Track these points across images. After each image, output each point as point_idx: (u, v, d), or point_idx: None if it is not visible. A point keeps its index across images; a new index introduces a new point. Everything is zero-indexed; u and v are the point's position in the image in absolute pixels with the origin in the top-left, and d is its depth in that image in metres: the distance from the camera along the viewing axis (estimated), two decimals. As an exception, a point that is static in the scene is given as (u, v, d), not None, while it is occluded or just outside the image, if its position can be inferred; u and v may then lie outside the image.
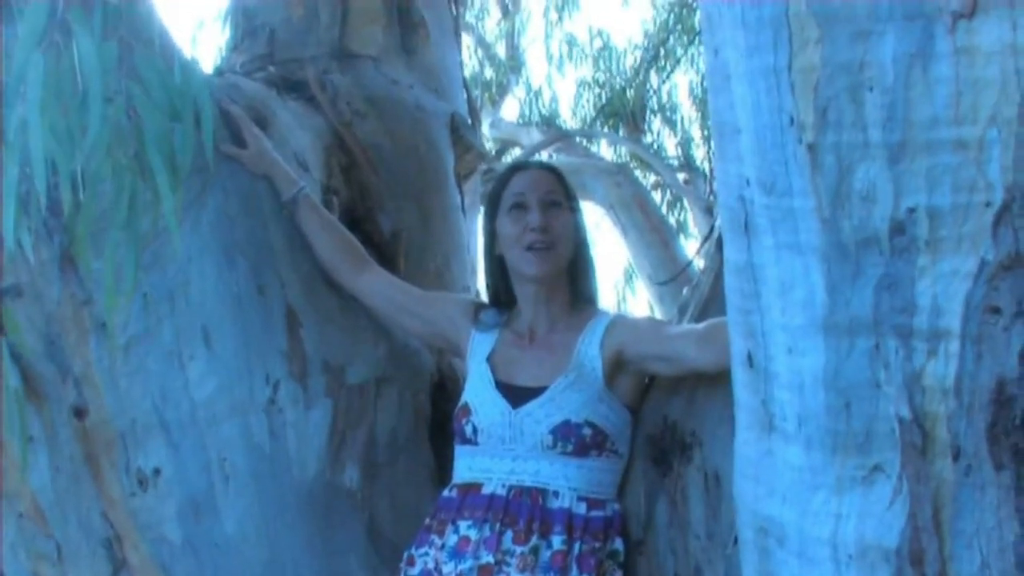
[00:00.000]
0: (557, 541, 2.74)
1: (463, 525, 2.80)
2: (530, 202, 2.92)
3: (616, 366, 2.85)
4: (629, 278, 11.13)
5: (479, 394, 2.90)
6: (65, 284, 2.90)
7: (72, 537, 3.02)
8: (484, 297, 3.17)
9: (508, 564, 2.72)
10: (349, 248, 3.15)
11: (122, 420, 2.95)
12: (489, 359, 2.95)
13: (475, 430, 2.86)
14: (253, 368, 3.00)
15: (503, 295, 3.02)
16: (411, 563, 2.85)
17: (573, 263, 2.97)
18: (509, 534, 2.75)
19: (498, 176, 3.12)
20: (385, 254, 3.42)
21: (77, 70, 2.45)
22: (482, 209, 3.16)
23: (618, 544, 2.78)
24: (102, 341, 2.92)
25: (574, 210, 2.99)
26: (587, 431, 2.79)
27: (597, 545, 2.75)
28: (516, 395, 2.85)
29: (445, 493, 2.90)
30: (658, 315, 8.18)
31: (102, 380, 2.94)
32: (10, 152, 2.43)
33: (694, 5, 10.82)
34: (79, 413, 2.95)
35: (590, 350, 2.86)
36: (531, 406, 2.82)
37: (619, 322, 2.94)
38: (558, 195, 2.95)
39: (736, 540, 2.25)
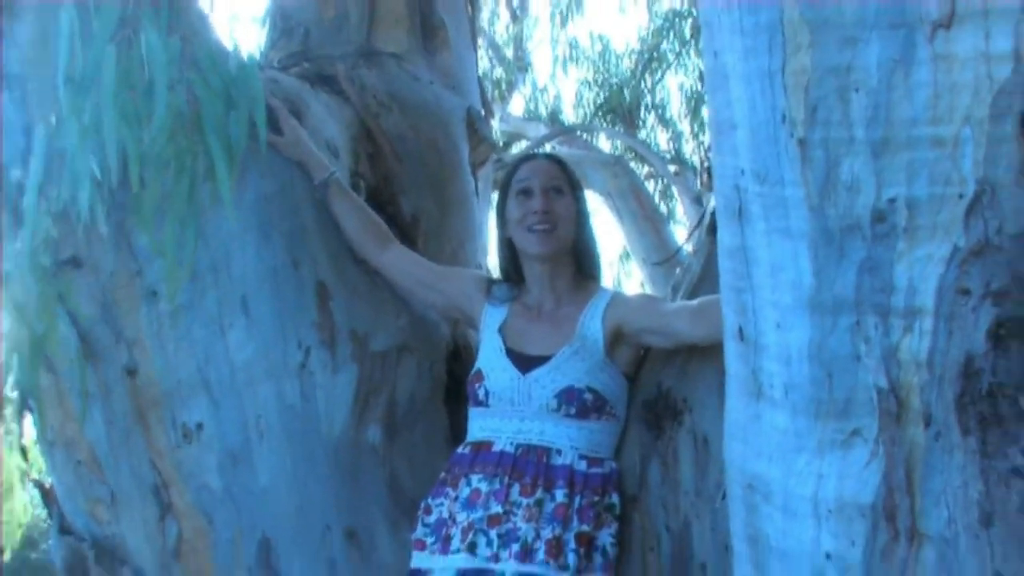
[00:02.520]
0: (560, 495, 2.74)
1: (475, 479, 2.81)
2: (534, 188, 2.93)
3: (615, 338, 2.85)
4: (624, 260, 11.12)
5: (491, 361, 2.90)
6: (119, 257, 2.90)
7: (124, 483, 3.03)
8: (495, 274, 3.17)
9: (515, 514, 2.73)
10: (375, 228, 3.15)
11: (169, 380, 2.96)
12: (501, 330, 2.95)
13: (487, 393, 2.87)
14: (287, 335, 3.00)
15: (513, 274, 3.02)
16: (428, 512, 2.86)
17: (576, 245, 2.97)
18: (516, 487, 2.76)
19: (509, 165, 3.12)
20: (406, 234, 3.41)
21: (145, 62, 2.45)
22: (495, 195, 3.16)
23: (615, 498, 2.78)
24: (152, 309, 2.93)
25: (576, 197, 2.99)
26: (588, 396, 2.80)
27: (596, 499, 2.76)
28: (525, 363, 2.86)
29: (459, 450, 2.91)
30: (650, 292, 8.16)
31: (151, 344, 2.94)
32: (84, 135, 2.44)
33: (686, 14, 10.79)
34: (131, 373, 2.96)
35: (592, 324, 2.86)
36: (538, 372, 2.83)
37: (619, 299, 2.95)
38: (561, 182, 2.96)
39: (724, 496, 2.24)
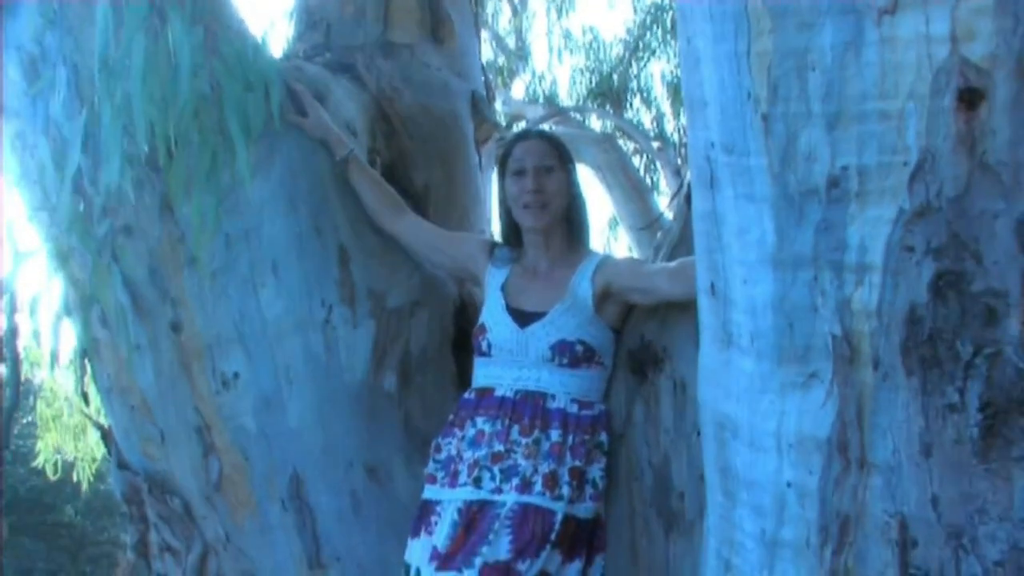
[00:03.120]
0: (555, 435, 2.75)
1: (479, 420, 2.81)
2: (527, 168, 2.90)
3: (603, 296, 2.84)
4: (613, 226, 11.10)
5: (493, 316, 2.90)
6: (164, 225, 2.90)
7: (172, 425, 3.04)
8: (497, 238, 3.16)
9: (515, 452, 2.74)
10: (390, 198, 3.14)
11: (209, 334, 2.96)
12: (503, 288, 2.94)
13: (489, 345, 2.87)
14: (312, 294, 2.99)
15: (512, 239, 3.01)
16: (438, 450, 2.87)
17: (568, 213, 2.95)
18: (516, 428, 2.76)
19: (506, 143, 3.10)
20: (418, 203, 3.40)
21: (171, 49, 2.43)
22: (496, 169, 3.14)
23: (603, 437, 2.79)
24: (193, 271, 2.93)
25: (568, 171, 2.97)
26: (579, 347, 2.79)
27: (587, 438, 2.76)
28: (523, 318, 2.85)
29: (465, 395, 2.91)
30: (636, 255, 8.15)
31: (193, 302, 2.95)
32: (116, 115, 2.43)
33: (667, 8, 10.72)
34: (175, 327, 2.96)
35: (583, 283, 2.85)
36: (535, 327, 2.83)
37: (606, 261, 2.93)
38: (551, 160, 2.93)
39: (699, 433, 2.25)
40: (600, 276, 2.86)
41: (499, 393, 2.82)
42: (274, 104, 2.59)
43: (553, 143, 3.01)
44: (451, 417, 2.90)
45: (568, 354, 2.79)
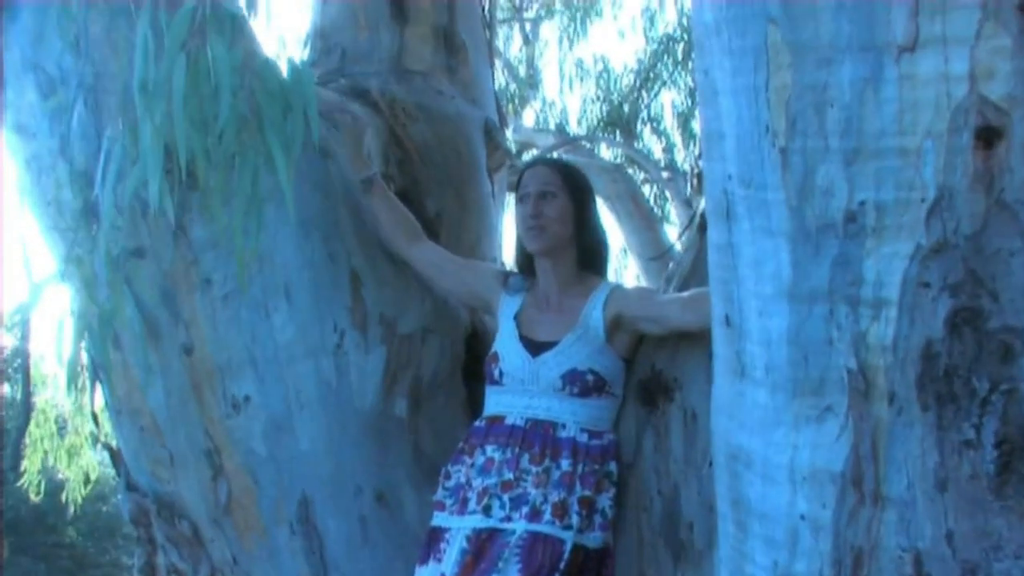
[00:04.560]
0: (565, 464, 2.75)
1: (489, 449, 2.81)
2: (530, 193, 2.92)
3: (615, 326, 2.85)
4: (623, 255, 11.11)
5: (506, 345, 2.90)
6: (177, 248, 2.91)
7: (181, 447, 3.04)
8: (510, 267, 3.17)
9: (525, 480, 2.74)
10: (407, 223, 3.15)
11: (220, 357, 2.97)
12: (516, 317, 2.94)
13: (501, 373, 2.87)
14: (324, 319, 3.00)
15: (525, 267, 3.02)
16: (447, 477, 2.87)
17: (576, 240, 2.94)
18: (526, 456, 2.76)
19: (520, 170, 3.10)
20: (430, 230, 3.40)
21: (211, 70, 2.45)
22: (509, 196, 3.16)
23: (613, 467, 2.79)
24: (206, 294, 2.94)
25: (574, 198, 2.95)
26: (590, 377, 2.80)
27: (596, 467, 2.76)
28: (535, 347, 2.86)
29: (475, 423, 2.91)
30: (644, 284, 8.14)
31: (205, 325, 2.95)
32: (156, 136, 2.44)
33: (678, 38, 10.76)
34: (187, 350, 2.97)
35: (594, 312, 2.86)
36: (546, 356, 2.83)
37: (618, 291, 2.93)
38: (553, 186, 2.93)
39: (710, 464, 2.25)
40: (611, 306, 2.86)
41: (509, 421, 2.82)
42: (314, 126, 2.61)
43: (559, 170, 3.02)
44: (461, 444, 2.90)
45: (579, 383, 2.79)
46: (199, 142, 2.41)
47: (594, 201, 3.09)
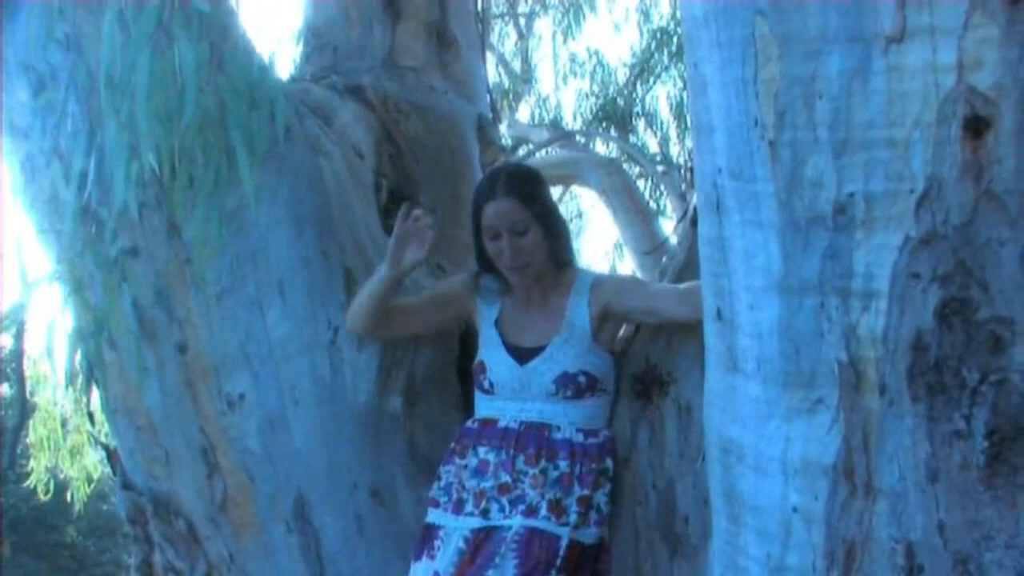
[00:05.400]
0: (563, 464, 2.74)
1: (482, 450, 2.80)
2: (502, 232, 2.79)
3: (602, 319, 2.83)
4: (619, 249, 11.11)
5: (492, 355, 2.87)
6: (171, 247, 2.90)
7: (177, 445, 3.04)
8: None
9: (522, 482, 2.73)
10: (388, 315, 2.95)
11: (215, 355, 2.96)
12: (497, 324, 2.90)
13: (491, 384, 2.85)
14: (318, 315, 3.00)
15: (492, 268, 2.90)
16: (439, 478, 2.86)
17: (549, 251, 2.85)
18: (521, 458, 2.75)
19: (476, 191, 2.91)
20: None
21: (177, 66, 2.44)
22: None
23: (608, 463, 2.78)
24: (200, 292, 2.93)
25: (540, 217, 2.82)
26: (582, 378, 2.78)
27: (594, 466, 2.75)
28: (522, 354, 2.83)
29: (467, 424, 2.90)
30: (635, 275, 8.13)
31: (200, 323, 2.95)
32: (121, 132, 2.43)
33: (673, 33, 10.74)
34: (182, 348, 2.97)
35: (579, 310, 2.83)
36: (535, 363, 2.81)
37: (600, 281, 2.89)
38: (523, 222, 2.79)
39: (704, 457, 2.25)
40: (597, 298, 2.83)
41: (502, 424, 2.81)
42: (279, 123, 2.59)
43: (522, 198, 2.81)
44: (453, 445, 2.89)
45: (571, 386, 2.78)
46: (163, 138, 2.40)
47: (550, 195, 2.99)
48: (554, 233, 2.87)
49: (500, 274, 2.90)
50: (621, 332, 2.92)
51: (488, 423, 2.84)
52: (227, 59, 2.70)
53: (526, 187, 2.85)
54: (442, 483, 2.85)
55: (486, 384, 2.86)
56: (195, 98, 2.43)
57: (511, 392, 2.82)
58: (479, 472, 2.78)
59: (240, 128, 2.56)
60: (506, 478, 2.74)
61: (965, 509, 1.68)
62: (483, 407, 2.89)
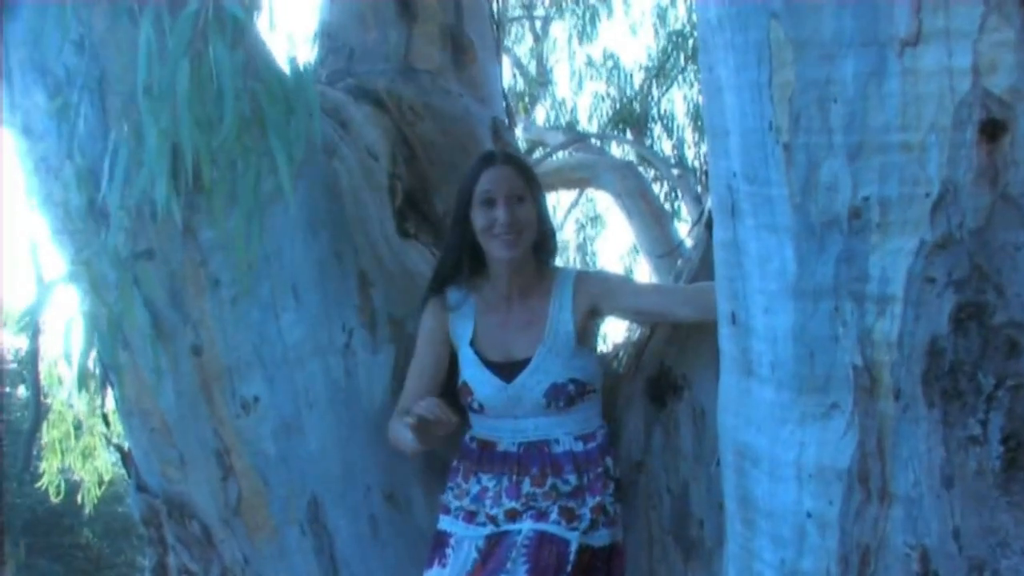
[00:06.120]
0: (571, 478, 2.73)
1: (484, 477, 2.80)
2: (498, 198, 2.77)
3: (587, 319, 2.79)
4: (634, 252, 11.11)
5: (474, 375, 2.82)
6: (186, 249, 2.91)
7: (191, 448, 3.04)
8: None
9: (536, 500, 2.72)
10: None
11: (230, 357, 2.96)
12: (472, 343, 2.85)
13: (480, 405, 2.82)
14: (332, 319, 3.00)
15: (467, 263, 2.86)
16: (449, 488, 2.86)
17: (537, 243, 2.85)
18: (527, 481, 2.75)
19: (470, 168, 2.90)
20: (436, 229, 3.42)
21: (214, 73, 2.45)
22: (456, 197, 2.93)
23: (609, 462, 2.77)
24: (215, 295, 2.93)
25: (537, 200, 2.84)
26: (571, 387, 2.75)
27: (599, 471, 2.75)
28: (506, 371, 2.79)
29: (467, 442, 2.88)
30: (655, 281, 8.12)
31: (214, 325, 2.95)
32: (162, 139, 2.45)
33: (689, 35, 10.74)
34: (196, 351, 2.97)
35: (562, 315, 2.78)
36: (521, 378, 2.76)
37: (583, 279, 2.85)
38: (521, 189, 2.79)
39: (718, 462, 2.25)
40: (581, 298, 2.79)
41: (501, 448, 2.80)
42: (316, 128, 2.60)
43: (523, 169, 2.86)
44: (455, 462, 2.88)
45: (563, 397, 2.75)
46: (204, 144, 2.42)
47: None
48: (544, 219, 2.87)
49: (465, 277, 2.85)
50: (635, 337, 2.92)
51: (487, 446, 2.82)
52: (261, 65, 2.71)
53: (523, 163, 2.92)
54: (453, 493, 2.85)
55: (475, 406, 2.83)
56: (233, 104, 2.45)
57: (502, 410, 2.79)
58: (479, 499, 2.78)
59: (278, 133, 2.57)
60: (513, 504, 2.74)
61: (980, 515, 1.68)
62: (478, 426, 2.87)
